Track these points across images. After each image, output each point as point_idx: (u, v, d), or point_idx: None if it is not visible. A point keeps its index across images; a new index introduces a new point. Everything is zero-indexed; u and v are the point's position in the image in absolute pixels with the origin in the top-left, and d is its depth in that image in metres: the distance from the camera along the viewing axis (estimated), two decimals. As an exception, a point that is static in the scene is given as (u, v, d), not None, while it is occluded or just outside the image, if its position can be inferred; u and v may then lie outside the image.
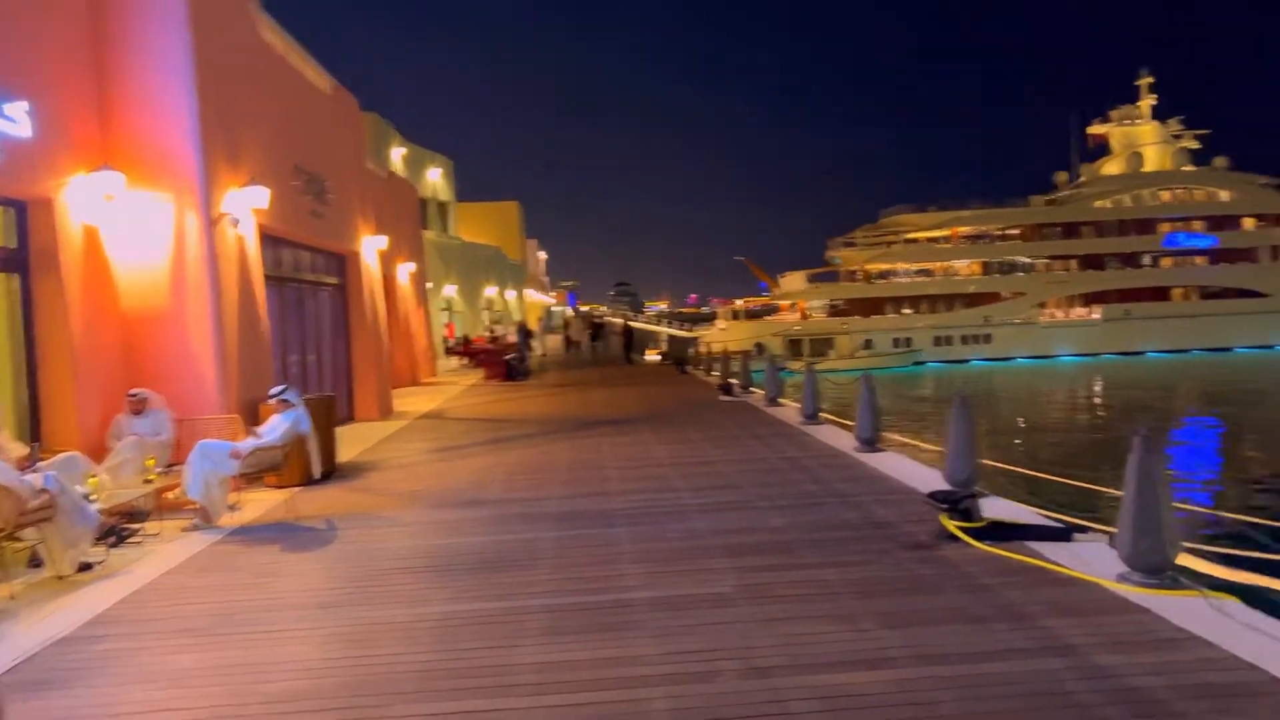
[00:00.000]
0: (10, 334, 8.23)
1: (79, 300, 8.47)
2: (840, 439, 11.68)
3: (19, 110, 7.71)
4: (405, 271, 24.06)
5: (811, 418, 13.59)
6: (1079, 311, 61.87)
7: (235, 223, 10.22)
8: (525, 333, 35.06)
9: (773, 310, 65.23)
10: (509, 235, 55.56)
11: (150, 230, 9.27)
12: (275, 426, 8.78)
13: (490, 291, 47.63)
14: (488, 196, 60.25)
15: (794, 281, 66.06)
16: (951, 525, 6.64)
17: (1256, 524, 7.47)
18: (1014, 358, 59.72)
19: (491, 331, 42.05)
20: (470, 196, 52.16)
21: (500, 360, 27.53)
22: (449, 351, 34.94)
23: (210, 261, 9.40)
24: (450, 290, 39.35)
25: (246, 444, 8.56)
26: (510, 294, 53.60)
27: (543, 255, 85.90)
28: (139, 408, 8.76)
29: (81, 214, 8.74)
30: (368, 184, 18.72)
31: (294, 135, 13.47)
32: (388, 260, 20.81)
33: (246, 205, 10.38)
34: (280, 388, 9.12)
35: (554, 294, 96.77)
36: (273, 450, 8.64)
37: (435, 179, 40.44)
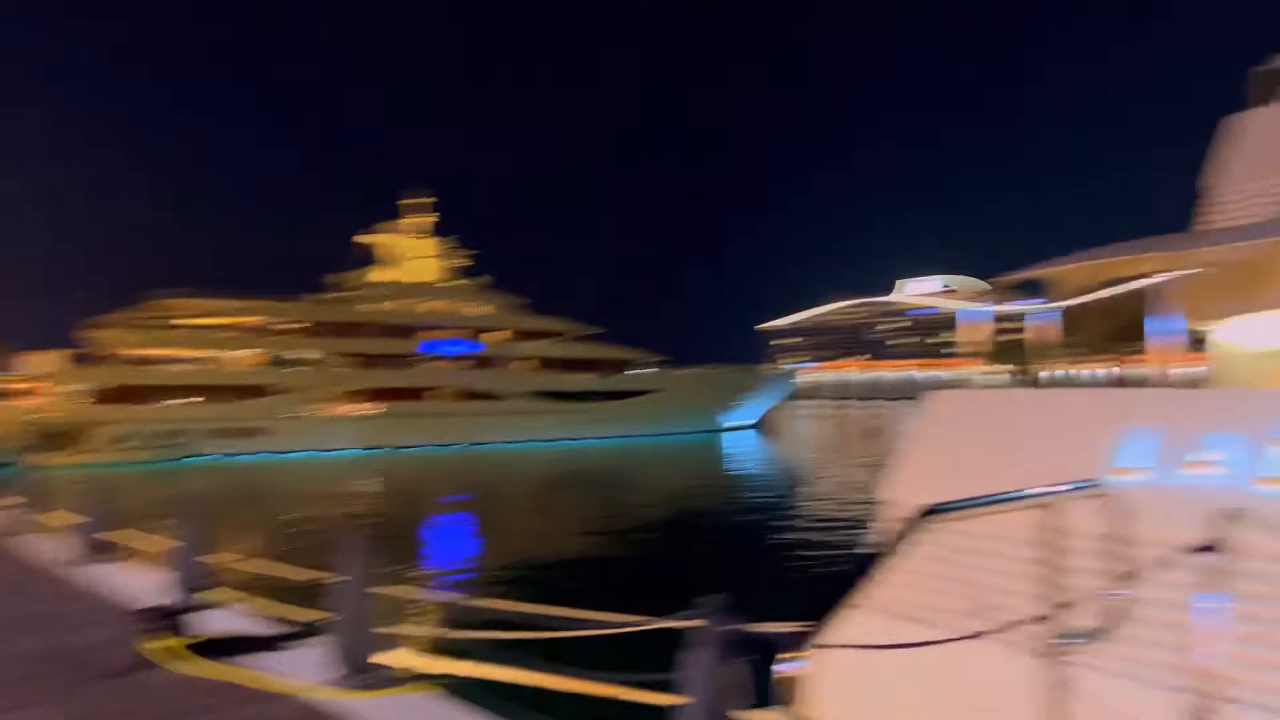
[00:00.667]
0: None
1: None
2: (60, 549, 10.04)
3: None
4: None
5: (21, 523, 11.51)
6: (361, 407, 64.68)
7: None
8: None
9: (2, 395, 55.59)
10: None
11: None
12: None
13: None
14: None
15: (46, 362, 57.30)
16: (155, 646, 5.98)
17: (483, 610, 8.22)
18: (296, 451, 59.77)
19: None
20: None
21: None
22: None
23: None
24: None
25: None
26: None
27: None
28: None
29: None
30: None
31: None
32: None
33: None
34: None
35: None
36: None
37: None
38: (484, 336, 73.22)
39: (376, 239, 74.66)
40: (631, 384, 75.70)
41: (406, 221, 75.37)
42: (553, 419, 70.96)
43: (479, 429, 67.81)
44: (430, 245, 75.29)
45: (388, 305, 70.34)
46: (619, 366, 76.69)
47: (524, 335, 75.04)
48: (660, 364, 78.71)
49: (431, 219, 76.41)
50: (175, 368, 60.22)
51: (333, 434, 62.30)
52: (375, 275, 73.09)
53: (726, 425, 77.45)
